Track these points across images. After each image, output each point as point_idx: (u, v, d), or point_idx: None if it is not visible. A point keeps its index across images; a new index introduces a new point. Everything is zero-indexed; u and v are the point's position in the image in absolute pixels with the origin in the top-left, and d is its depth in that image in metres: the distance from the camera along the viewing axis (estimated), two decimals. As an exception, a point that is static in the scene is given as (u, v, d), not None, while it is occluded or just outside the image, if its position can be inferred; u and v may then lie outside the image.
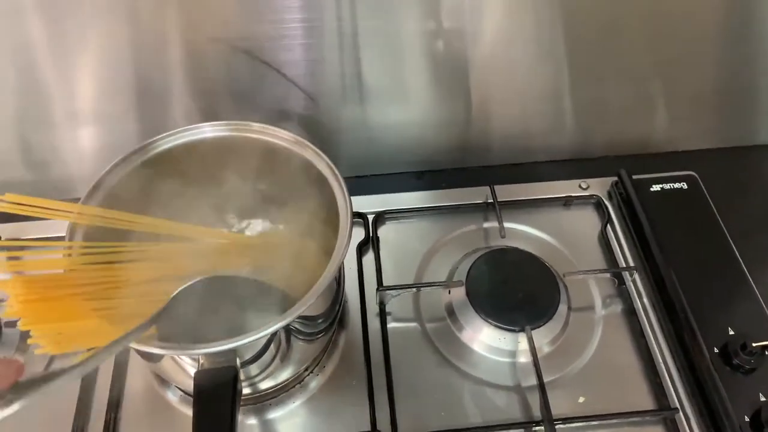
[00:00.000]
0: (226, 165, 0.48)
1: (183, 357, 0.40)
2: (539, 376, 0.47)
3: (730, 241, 0.57)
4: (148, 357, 0.43)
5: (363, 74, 0.58)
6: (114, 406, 0.48)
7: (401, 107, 0.63)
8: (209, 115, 0.58)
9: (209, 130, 0.47)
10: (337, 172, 0.45)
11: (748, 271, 0.55)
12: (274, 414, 0.48)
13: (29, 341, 0.32)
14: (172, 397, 0.49)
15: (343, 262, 0.42)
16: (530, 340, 0.49)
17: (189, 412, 0.47)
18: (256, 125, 0.47)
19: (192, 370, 0.41)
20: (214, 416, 0.35)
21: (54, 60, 0.53)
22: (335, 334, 0.52)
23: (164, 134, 0.46)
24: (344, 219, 0.43)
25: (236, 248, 0.50)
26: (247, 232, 0.52)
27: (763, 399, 0.47)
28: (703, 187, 0.62)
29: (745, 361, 0.48)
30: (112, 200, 0.43)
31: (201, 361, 0.36)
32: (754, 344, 0.48)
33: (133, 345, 0.35)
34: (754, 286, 0.54)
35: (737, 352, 0.49)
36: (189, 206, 0.47)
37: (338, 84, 0.59)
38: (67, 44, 0.52)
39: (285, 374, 0.46)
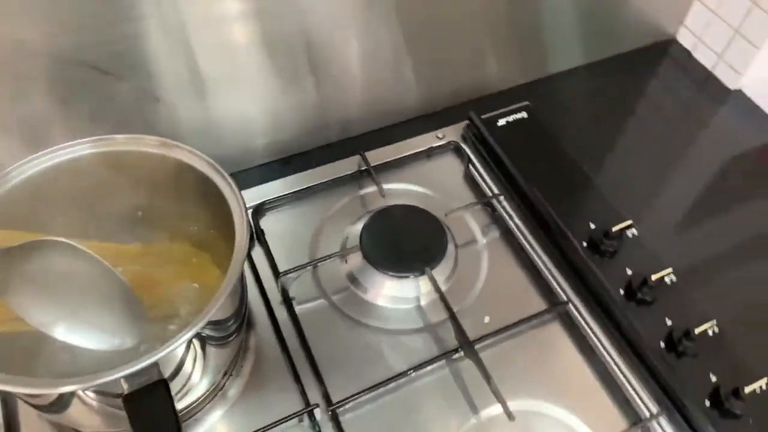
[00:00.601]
0: (101, 182, 0.45)
1: (88, 393, 0.37)
2: (448, 308, 0.51)
3: (570, 152, 0.65)
4: (49, 407, 0.40)
5: (201, 68, 0.57)
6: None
7: (251, 97, 0.63)
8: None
9: (69, 151, 0.44)
10: (219, 167, 0.44)
11: (590, 173, 0.63)
12: (202, 428, 0.46)
13: None
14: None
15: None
16: (432, 279, 0.52)
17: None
18: (120, 137, 0.45)
19: (104, 406, 0.39)
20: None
21: None
22: (245, 337, 0.51)
23: (25, 159, 0.42)
24: (238, 213, 0.42)
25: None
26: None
27: (630, 272, 0.54)
28: (539, 113, 0.69)
29: (609, 246, 0.55)
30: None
31: (124, 386, 0.34)
32: (613, 229, 0.56)
33: (42, 390, 0.33)
34: (598, 185, 0.62)
35: (602, 240, 0.55)
36: (73, 225, 0.44)
37: (181, 81, 0.57)
38: None
39: (203, 385, 0.45)
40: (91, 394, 0.38)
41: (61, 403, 0.39)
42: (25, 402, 0.42)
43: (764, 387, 0.47)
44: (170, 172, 0.46)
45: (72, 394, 0.38)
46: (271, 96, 0.63)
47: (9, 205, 0.42)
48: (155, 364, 0.35)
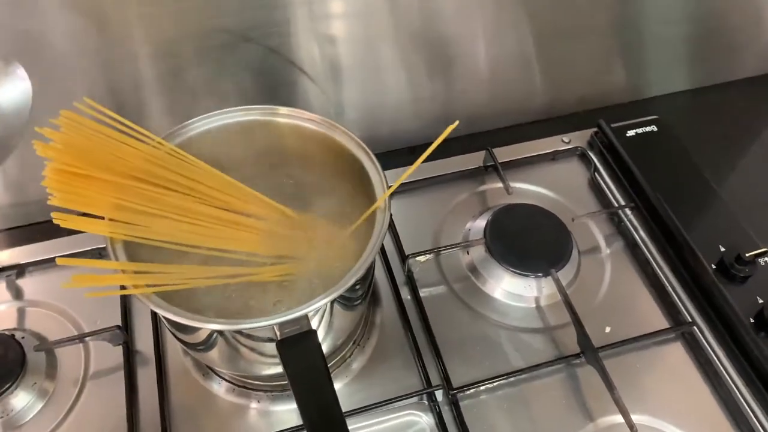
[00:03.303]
0: (256, 150, 0.48)
1: (231, 336, 0.40)
2: (573, 312, 0.51)
3: (701, 169, 0.63)
4: (197, 345, 0.43)
5: (341, 57, 0.60)
6: (165, 414, 0.47)
7: (384, 88, 0.65)
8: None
9: (239, 115, 0.47)
10: (367, 148, 0.46)
11: (720, 193, 0.61)
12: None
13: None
14: (218, 388, 0.49)
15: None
16: (557, 281, 0.52)
17: (239, 401, 0.48)
18: (283, 109, 0.47)
19: (249, 351, 0.42)
20: (313, 383, 0.36)
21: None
22: (370, 313, 0.53)
23: (194, 119, 0.46)
24: (381, 193, 0.44)
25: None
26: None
27: (761, 301, 0.52)
28: (669, 127, 0.67)
29: (740, 270, 0.54)
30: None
31: (277, 332, 0.37)
32: (747, 255, 0.54)
33: (199, 324, 0.36)
34: (729, 205, 0.60)
35: (732, 264, 0.54)
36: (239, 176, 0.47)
37: (323, 66, 0.60)
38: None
39: (325, 347, 0.46)
40: (243, 338, 0.41)
41: (210, 342, 0.42)
42: (175, 336, 0.46)
43: None
44: (322, 148, 0.48)
45: (222, 334, 0.41)
46: (402, 87, 0.65)
47: (191, 150, 0.45)
48: (306, 316, 0.37)
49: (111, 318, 0.51)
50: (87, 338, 0.49)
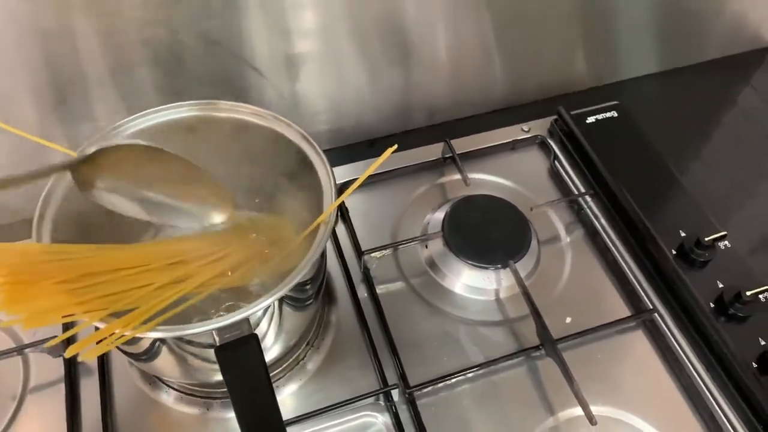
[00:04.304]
0: (199, 148, 0.46)
1: (174, 344, 0.39)
2: (531, 303, 0.50)
3: (662, 155, 0.62)
4: (141, 355, 0.41)
5: (296, 47, 0.58)
6: (108, 427, 0.45)
7: (340, 79, 0.63)
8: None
9: (177, 111, 0.45)
10: (313, 142, 0.44)
11: (681, 179, 0.60)
12: (280, 397, 0.47)
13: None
14: (167, 398, 0.47)
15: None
16: (516, 273, 0.51)
17: (188, 410, 0.46)
18: (223, 103, 0.45)
19: (192, 357, 0.40)
20: (252, 388, 0.34)
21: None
22: (325, 312, 0.52)
23: (127, 119, 0.44)
24: (327, 184, 0.43)
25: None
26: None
27: (721, 285, 0.52)
28: (630, 113, 0.67)
29: (700, 255, 0.53)
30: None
31: (216, 338, 0.35)
32: (706, 239, 0.53)
33: (144, 334, 0.34)
34: (689, 191, 0.59)
35: (692, 249, 0.53)
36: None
37: (277, 58, 0.58)
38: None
39: (276, 349, 0.45)
40: (183, 344, 0.39)
41: (153, 350, 0.40)
42: (117, 348, 0.44)
43: None
44: (265, 142, 0.47)
45: (162, 342, 0.39)
46: (359, 79, 0.64)
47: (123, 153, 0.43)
48: (246, 320, 0.36)
49: (51, 329, 0.48)
50: (26, 350, 0.47)
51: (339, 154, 0.63)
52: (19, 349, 0.47)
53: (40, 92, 0.52)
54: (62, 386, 0.46)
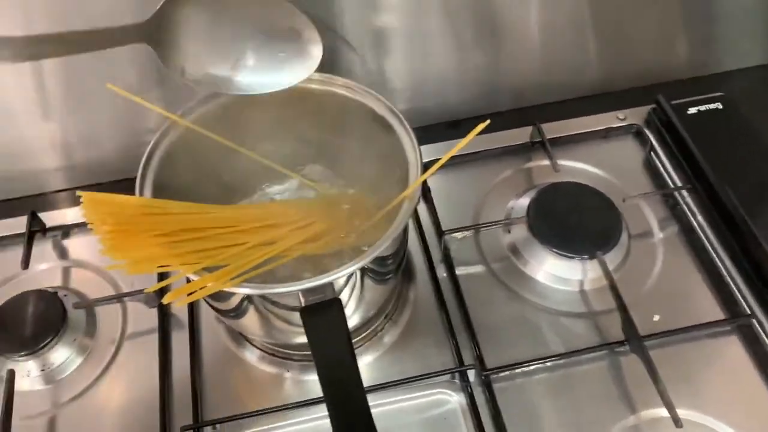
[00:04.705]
0: (288, 118, 0.47)
1: (261, 303, 0.40)
2: (618, 297, 0.48)
3: (772, 153, 0.58)
4: (229, 312, 0.43)
5: (384, 24, 0.58)
6: (196, 377, 0.47)
7: (428, 57, 0.62)
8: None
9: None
10: (402, 118, 0.44)
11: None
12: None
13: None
14: (251, 356, 0.49)
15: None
16: (603, 265, 0.50)
17: (269, 369, 0.48)
18: (316, 75, 0.46)
19: (274, 318, 0.41)
20: (334, 350, 0.35)
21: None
22: (404, 288, 0.52)
23: None
24: (413, 160, 0.43)
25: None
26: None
27: (831, 296, 0.48)
28: (736, 105, 0.62)
29: (810, 262, 0.49)
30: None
31: (302, 299, 0.36)
32: (817, 244, 0.49)
33: (233, 289, 0.36)
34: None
35: (801, 254, 0.49)
36: (246, 158, 0.46)
37: (366, 32, 0.57)
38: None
39: (355, 319, 0.45)
40: (269, 304, 0.41)
41: (241, 309, 0.42)
42: (207, 303, 0.46)
43: None
44: (354, 115, 0.47)
45: (250, 300, 0.40)
46: (445, 56, 0.62)
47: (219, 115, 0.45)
48: (331, 284, 0.37)
49: (147, 280, 0.51)
50: (125, 298, 0.50)
51: (419, 134, 0.63)
52: (119, 297, 0.50)
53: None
54: (155, 336, 0.49)
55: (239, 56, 0.44)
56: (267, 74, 0.45)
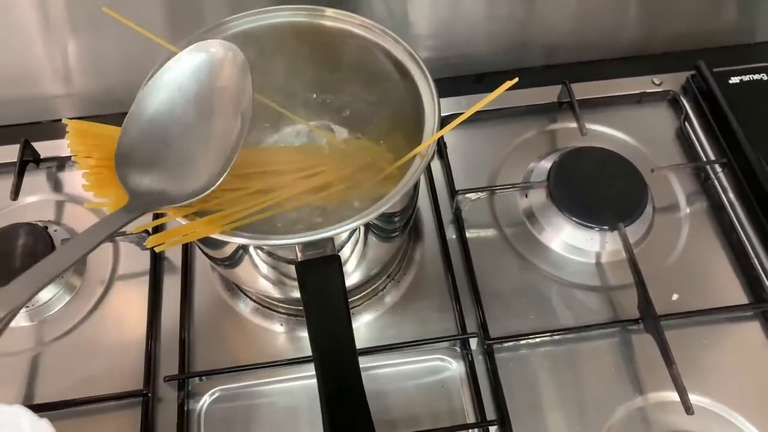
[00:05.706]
0: (301, 58, 0.43)
1: (256, 253, 0.37)
2: (638, 272, 0.45)
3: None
4: (223, 260, 0.40)
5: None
6: (185, 325, 0.45)
7: (455, 3, 0.58)
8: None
9: (281, 14, 0.42)
10: (423, 65, 0.40)
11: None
12: (354, 325, 0.45)
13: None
14: (244, 308, 0.47)
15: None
16: (624, 237, 0.46)
17: (262, 323, 0.46)
18: (330, 10, 0.42)
19: (273, 270, 0.39)
20: (328, 308, 0.33)
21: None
22: (410, 248, 0.49)
23: (231, 17, 0.41)
24: (431, 112, 0.39)
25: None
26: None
27: None
28: (784, 77, 0.58)
29: None
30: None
31: (299, 253, 0.34)
32: None
33: (223, 237, 0.33)
34: None
35: (838, 241, 0.46)
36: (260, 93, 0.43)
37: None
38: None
39: (356, 276, 0.43)
40: (264, 255, 0.38)
41: (235, 258, 0.40)
42: (201, 250, 0.43)
43: None
44: (370, 57, 0.43)
45: (245, 250, 0.38)
46: (477, 5, 0.58)
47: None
48: (331, 240, 0.34)
49: (142, 221, 0.49)
50: (117, 238, 0.48)
51: (442, 86, 0.59)
52: (111, 236, 0.47)
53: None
54: (146, 279, 0.47)
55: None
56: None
